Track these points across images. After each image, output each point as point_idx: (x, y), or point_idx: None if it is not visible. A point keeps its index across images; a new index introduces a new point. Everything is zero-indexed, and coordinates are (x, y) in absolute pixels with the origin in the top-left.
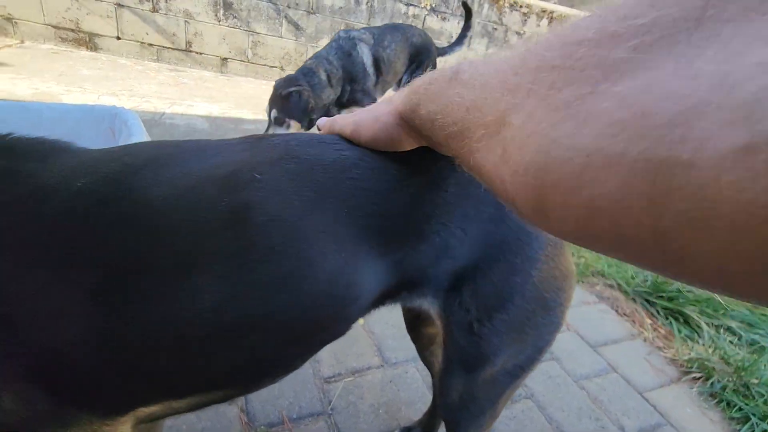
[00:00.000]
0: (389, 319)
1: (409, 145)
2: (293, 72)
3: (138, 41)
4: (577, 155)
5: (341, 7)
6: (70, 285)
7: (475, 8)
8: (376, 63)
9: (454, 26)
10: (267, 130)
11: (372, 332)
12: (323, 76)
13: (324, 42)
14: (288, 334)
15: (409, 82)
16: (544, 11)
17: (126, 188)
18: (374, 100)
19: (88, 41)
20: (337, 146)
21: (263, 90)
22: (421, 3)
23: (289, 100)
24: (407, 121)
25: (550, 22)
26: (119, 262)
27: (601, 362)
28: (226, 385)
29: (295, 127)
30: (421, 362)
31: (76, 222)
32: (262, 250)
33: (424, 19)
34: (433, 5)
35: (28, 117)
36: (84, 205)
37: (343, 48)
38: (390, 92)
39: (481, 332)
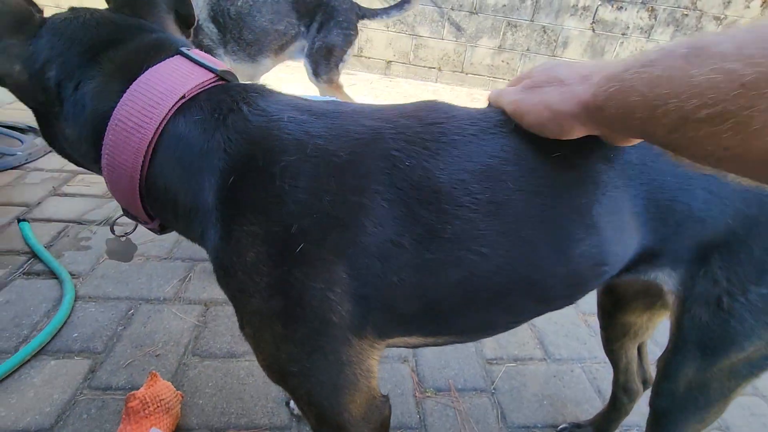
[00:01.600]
0: (551, 314)
1: (577, 135)
2: (443, 72)
3: None
4: None
5: (505, 5)
6: (401, 233)
7: None
8: (216, 17)
9: (632, 16)
10: None
11: (533, 324)
12: None
13: (483, 41)
14: (542, 295)
15: (313, 47)
16: None
17: (436, 165)
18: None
19: None
20: None
21: (422, 90)
22: None
23: None
24: (594, 112)
25: (764, 2)
26: (428, 227)
27: None
28: (470, 332)
29: None
30: (588, 363)
31: (416, 191)
32: (535, 224)
33: (596, 10)
34: None
35: None
36: (411, 178)
37: None
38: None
39: (733, 308)
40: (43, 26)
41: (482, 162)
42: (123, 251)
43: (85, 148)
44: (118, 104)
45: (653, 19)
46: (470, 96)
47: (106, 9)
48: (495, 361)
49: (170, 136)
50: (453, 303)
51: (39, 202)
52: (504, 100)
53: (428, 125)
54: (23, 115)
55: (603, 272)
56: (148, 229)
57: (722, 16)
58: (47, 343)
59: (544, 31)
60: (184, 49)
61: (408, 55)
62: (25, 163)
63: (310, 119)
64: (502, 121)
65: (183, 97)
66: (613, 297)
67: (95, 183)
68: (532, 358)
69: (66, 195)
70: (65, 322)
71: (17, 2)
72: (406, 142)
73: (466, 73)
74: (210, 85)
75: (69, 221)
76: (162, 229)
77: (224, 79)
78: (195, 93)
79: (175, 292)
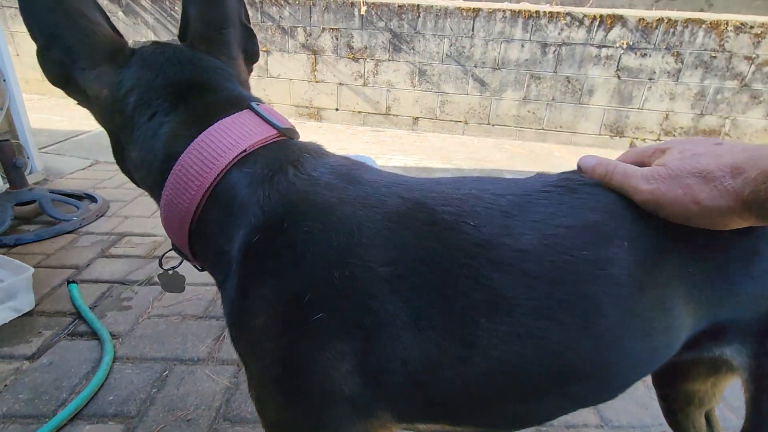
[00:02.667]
0: None
1: (735, 227)
2: (469, 125)
3: (350, 110)
4: None
5: (527, 60)
6: (434, 311)
7: (685, 38)
8: None
9: (657, 61)
10: None
11: None
12: None
13: (507, 94)
14: (601, 385)
15: None
16: None
17: (490, 234)
18: None
19: (316, 114)
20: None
21: (449, 143)
22: (616, 43)
23: None
24: (757, 209)
25: None
26: (476, 303)
27: None
28: (509, 425)
29: None
30: (652, 431)
31: (455, 260)
32: (601, 307)
33: (620, 58)
34: (631, 42)
35: None
36: (461, 244)
37: None
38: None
39: None
40: (132, 57)
41: (543, 235)
42: (174, 283)
43: (144, 174)
44: (186, 151)
45: (680, 63)
46: (498, 146)
47: (185, 45)
48: (545, 429)
49: (223, 185)
50: (495, 393)
51: (88, 264)
52: (633, 184)
53: (483, 195)
54: (80, 183)
55: (666, 355)
56: (192, 264)
57: (754, 56)
58: (83, 407)
59: (569, 81)
60: (253, 104)
61: (434, 110)
62: (79, 227)
63: (344, 185)
64: (562, 191)
65: (244, 151)
66: (669, 365)
67: (139, 244)
68: (587, 425)
69: (113, 256)
70: (102, 385)
71: (112, 34)
72: (454, 211)
73: (493, 125)
74: (271, 141)
75: (113, 282)
76: (203, 267)
77: (287, 135)
78: (255, 148)
79: (209, 352)
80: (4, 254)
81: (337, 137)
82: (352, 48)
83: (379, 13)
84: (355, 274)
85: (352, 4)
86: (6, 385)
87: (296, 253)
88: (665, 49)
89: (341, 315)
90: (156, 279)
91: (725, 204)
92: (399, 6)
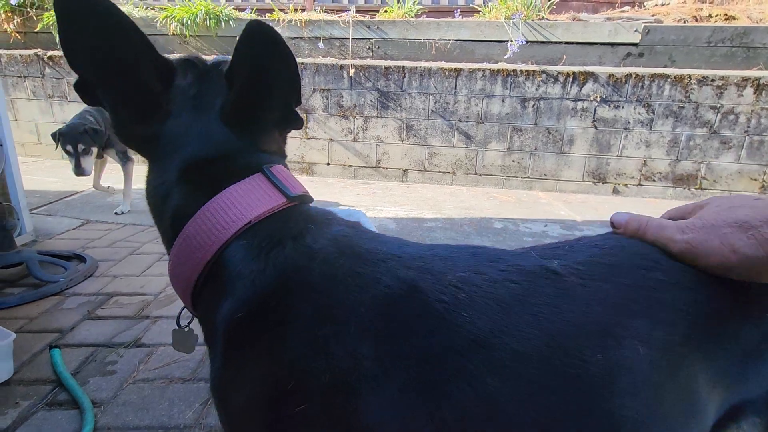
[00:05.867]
0: None
1: None
2: (457, 175)
3: (341, 164)
4: None
5: (508, 113)
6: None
7: (654, 91)
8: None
9: (630, 112)
10: (77, 163)
11: None
12: (91, 118)
13: (492, 145)
14: None
15: (116, 151)
16: (745, 80)
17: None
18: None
19: (308, 168)
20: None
21: (438, 193)
22: (590, 96)
23: (86, 134)
24: None
25: (756, 91)
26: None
27: None
28: None
29: (95, 151)
30: None
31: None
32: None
33: (594, 110)
34: (604, 96)
35: None
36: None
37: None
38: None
39: None
40: (165, 123)
41: (546, 334)
42: (185, 341)
43: (158, 224)
44: (192, 219)
45: (651, 113)
46: (486, 194)
47: (218, 118)
48: None
49: (222, 257)
50: None
51: (73, 327)
52: (668, 234)
53: (479, 279)
54: (71, 243)
55: None
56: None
57: (718, 105)
58: None
59: (549, 132)
60: (265, 168)
61: (423, 162)
62: (66, 289)
63: (341, 261)
64: (561, 278)
65: (249, 222)
66: None
67: (128, 305)
68: None
69: (99, 318)
70: None
71: (152, 97)
72: (447, 299)
73: (480, 174)
74: (279, 210)
75: (99, 345)
76: None
77: (299, 202)
78: (261, 219)
79: (196, 418)
80: None
81: (329, 190)
82: (342, 106)
83: (366, 74)
84: (340, 367)
85: (341, 67)
86: None
87: (282, 334)
88: (636, 101)
89: (324, 409)
90: (143, 341)
91: (764, 252)
92: (385, 68)
